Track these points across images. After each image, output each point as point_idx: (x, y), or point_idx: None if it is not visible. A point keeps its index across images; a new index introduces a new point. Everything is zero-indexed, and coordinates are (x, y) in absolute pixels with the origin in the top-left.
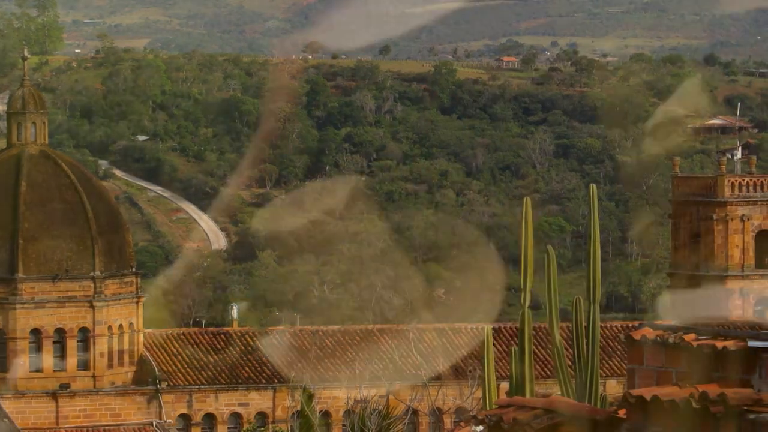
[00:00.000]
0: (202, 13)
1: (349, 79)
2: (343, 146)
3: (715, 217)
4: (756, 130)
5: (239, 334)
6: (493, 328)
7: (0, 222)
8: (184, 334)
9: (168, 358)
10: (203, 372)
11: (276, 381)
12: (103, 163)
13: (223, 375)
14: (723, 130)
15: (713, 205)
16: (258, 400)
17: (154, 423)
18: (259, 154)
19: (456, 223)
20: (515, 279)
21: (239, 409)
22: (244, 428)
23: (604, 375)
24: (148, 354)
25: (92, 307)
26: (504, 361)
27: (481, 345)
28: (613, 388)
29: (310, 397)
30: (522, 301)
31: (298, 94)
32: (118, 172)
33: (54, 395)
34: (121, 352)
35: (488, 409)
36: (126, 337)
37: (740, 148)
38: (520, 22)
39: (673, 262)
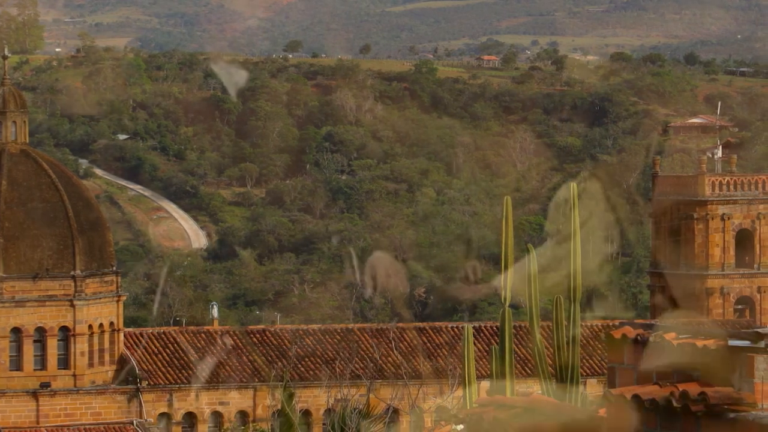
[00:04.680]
0: (183, 12)
1: (329, 78)
2: (324, 145)
3: (695, 216)
4: (736, 129)
5: (219, 333)
6: (474, 327)
7: None
8: (164, 333)
9: (148, 357)
10: (183, 371)
11: (256, 380)
12: (84, 162)
13: (204, 374)
14: (703, 129)
15: (694, 204)
16: (238, 399)
17: (134, 422)
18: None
19: (436, 222)
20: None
21: (220, 408)
22: (225, 427)
23: (584, 374)
24: (128, 353)
25: (73, 306)
26: (484, 359)
27: (461, 344)
28: (594, 387)
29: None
30: (502, 300)
31: (279, 93)
32: (98, 171)
33: (34, 394)
34: (101, 351)
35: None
36: (106, 336)
37: (721, 147)
38: (500, 20)
39: (653, 261)
